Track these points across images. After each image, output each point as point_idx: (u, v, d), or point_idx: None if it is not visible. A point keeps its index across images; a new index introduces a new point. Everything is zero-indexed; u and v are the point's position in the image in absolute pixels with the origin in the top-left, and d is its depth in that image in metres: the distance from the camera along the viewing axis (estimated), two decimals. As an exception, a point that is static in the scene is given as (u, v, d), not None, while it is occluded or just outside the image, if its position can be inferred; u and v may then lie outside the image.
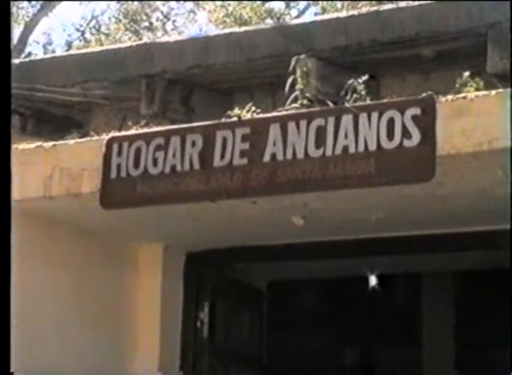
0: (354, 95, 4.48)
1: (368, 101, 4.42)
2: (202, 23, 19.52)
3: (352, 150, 4.27)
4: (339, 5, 16.85)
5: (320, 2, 18.19)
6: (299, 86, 4.74)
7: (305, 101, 4.64)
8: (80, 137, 5.04)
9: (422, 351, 10.53)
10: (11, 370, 4.15)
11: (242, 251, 5.74)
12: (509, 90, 4.08)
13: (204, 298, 5.97)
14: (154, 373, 5.68)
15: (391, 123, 4.19)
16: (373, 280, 10.14)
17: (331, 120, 4.33)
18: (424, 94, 4.25)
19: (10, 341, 3.58)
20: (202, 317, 5.93)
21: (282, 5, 18.79)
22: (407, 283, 9.93)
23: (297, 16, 17.83)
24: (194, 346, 5.88)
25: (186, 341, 5.86)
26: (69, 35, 20.09)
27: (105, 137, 4.83)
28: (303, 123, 4.39)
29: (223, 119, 4.64)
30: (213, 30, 15.32)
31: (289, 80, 4.78)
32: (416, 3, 5.44)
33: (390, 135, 4.19)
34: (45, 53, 18.01)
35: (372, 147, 4.22)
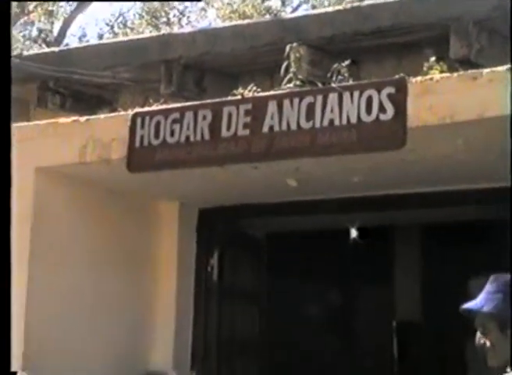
0: (339, 77, 4.51)
1: (351, 82, 4.43)
2: (211, 19, 19.89)
3: (337, 122, 4.30)
4: (326, 2, 17.24)
5: (310, 0, 18.69)
6: (292, 69, 4.75)
7: (298, 83, 4.66)
8: (109, 113, 5.03)
9: (394, 294, 10.56)
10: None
11: (245, 207, 5.75)
12: (468, 72, 4.11)
13: (213, 247, 5.98)
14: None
15: (369, 100, 4.21)
16: (353, 233, 10.16)
17: (319, 98, 4.35)
18: (397, 76, 4.27)
19: (10, 341, 3.45)
20: (212, 263, 5.94)
21: (279, 3, 19.23)
22: (383, 236, 9.93)
23: (292, 12, 18.05)
24: (205, 287, 5.91)
25: (199, 282, 5.90)
26: (101, 29, 20.37)
27: (131, 112, 4.83)
28: (296, 101, 4.41)
29: (229, 97, 4.67)
30: (220, 24, 15.52)
31: (284, 65, 4.79)
32: (391, 0, 5.45)
33: (369, 110, 4.21)
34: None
35: (354, 120, 4.25)
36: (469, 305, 3.47)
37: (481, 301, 3.45)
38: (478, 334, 3.43)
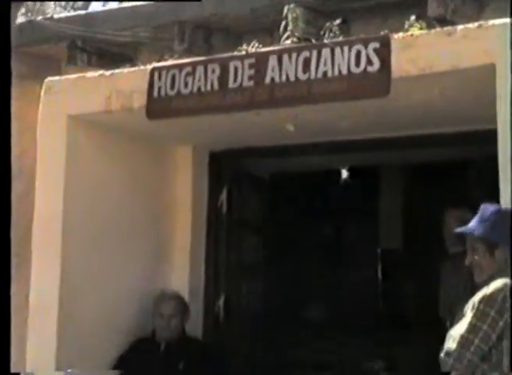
0: (331, 34, 4.50)
1: (341, 39, 4.42)
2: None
3: (329, 74, 4.30)
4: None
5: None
6: (290, 28, 4.74)
7: (295, 40, 4.65)
8: (130, 68, 5.03)
9: (379, 226, 10.61)
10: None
11: (250, 150, 5.77)
12: (444, 29, 4.11)
13: (222, 185, 6.01)
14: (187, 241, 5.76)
15: (358, 54, 4.22)
16: (344, 173, 10.20)
17: (314, 53, 4.35)
18: (382, 33, 4.27)
19: (10, 341, 3.40)
20: (222, 199, 5.97)
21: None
22: (370, 175, 9.96)
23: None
24: (216, 219, 5.95)
25: (210, 215, 5.94)
26: (121, -5, 20.12)
27: (149, 67, 4.83)
28: (293, 55, 4.41)
29: (235, 53, 4.66)
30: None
31: (283, 24, 4.78)
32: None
33: (357, 63, 4.21)
34: (103, 8, 17.96)
35: (344, 71, 4.25)
36: (462, 229, 3.55)
37: (472, 226, 3.53)
38: (469, 253, 3.53)
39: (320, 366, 8.06)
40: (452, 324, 4.19)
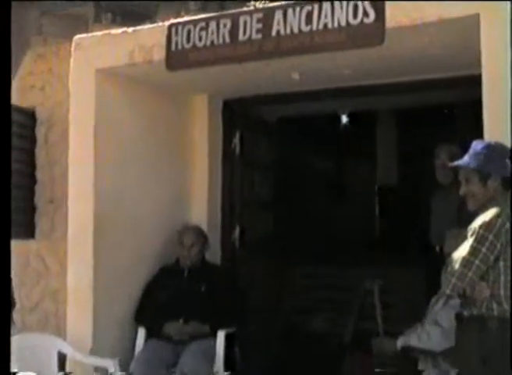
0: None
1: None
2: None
3: (330, 26, 4.25)
4: None
5: None
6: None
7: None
8: (150, 25, 4.98)
9: (376, 165, 10.61)
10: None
11: (259, 97, 5.72)
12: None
13: (235, 129, 6.00)
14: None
15: (355, 7, 4.17)
16: (344, 119, 10.18)
17: (316, 7, 4.30)
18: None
19: (10, 341, 3.31)
20: (235, 142, 5.97)
21: None
22: (367, 119, 9.93)
23: None
24: (230, 160, 5.94)
25: (225, 156, 5.93)
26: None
27: (167, 23, 4.77)
28: (297, 9, 4.35)
29: (244, 9, 4.60)
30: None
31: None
32: None
33: (355, 15, 4.17)
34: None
35: (343, 23, 4.21)
36: (458, 162, 3.56)
37: (467, 160, 3.53)
38: (463, 184, 3.53)
39: (323, 286, 8.15)
40: (442, 248, 4.22)
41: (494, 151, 3.46)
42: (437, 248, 4.69)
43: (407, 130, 9.84)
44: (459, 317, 3.50)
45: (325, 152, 10.38)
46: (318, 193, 10.20)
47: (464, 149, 3.63)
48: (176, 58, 4.69)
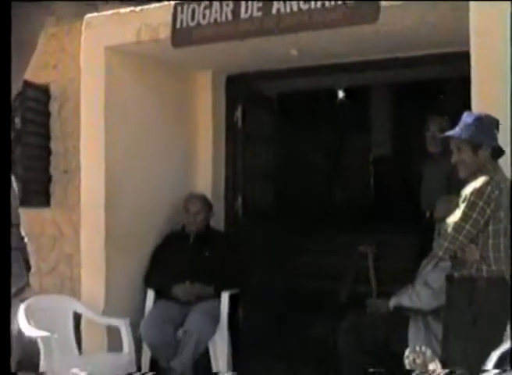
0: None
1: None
2: None
3: (327, 4, 4.21)
4: None
5: None
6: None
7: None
8: (157, 4, 4.93)
9: (371, 137, 10.58)
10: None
11: (260, 73, 5.68)
12: None
13: (237, 104, 5.97)
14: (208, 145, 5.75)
15: (352, -14, 4.13)
16: (341, 94, 10.12)
17: (314, -13, 4.26)
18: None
19: (10, 341, 3.24)
20: (237, 115, 5.95)
21: None
22: (363, 94, 9.88)
23: None
24: (233, 133, 5.93)
25: (228, 129, 5.91)
26: None
27: (172, 2, 4.72)
28: (296, -11, 4.31)
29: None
30: None
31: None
32: None
33: (351, -6, 4.13)
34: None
35: (340, 1, 4.17)
36: (450, 132, 3.56)
37: (458, 131, 3.52)
38: (455, 154, 3.53)
39: (321, 251, 8.17)
40: (432, 214, 4.23)
41: (484, 122, 3.46)
42: (428, 214, 4.69)
43: (400, 104, 9.81)
44: (449, 278, 3.51)
45: (322, 126, 10.34)
46: (316, 164, 10.20)
47: (453, 121, 3.62)
48: (180, 36, 4.64)
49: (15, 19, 1.86)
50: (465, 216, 3.33)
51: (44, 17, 2.01)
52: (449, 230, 3.35)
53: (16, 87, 2.02)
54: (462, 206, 3.35)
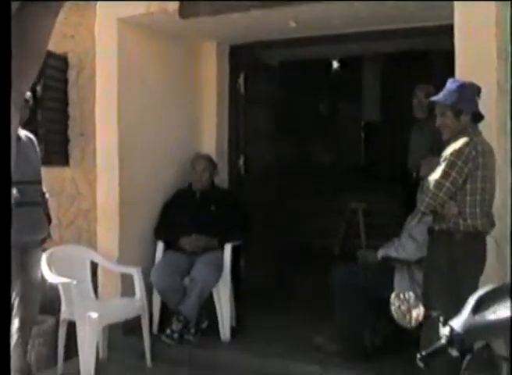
0: None
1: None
2: None
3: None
4: None
5: None
6: None
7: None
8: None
9: (362, 104, 10.53)
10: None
11: (262, 43, 5.63)
12: None
13: (240, 71, 5.91)
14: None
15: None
16: (335, 64, 10.06)
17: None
18: None
19: (10, 341, 3.07)
20: (240, 82, 5.90)
21: None
22: (355, 65, 9.81)
23: None
24: (236, 97, 5.89)
25: (231, 94, 5.88)
26: None
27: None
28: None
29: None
30: None
31: None
32: None
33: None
34: None
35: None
36: (434, 98, 3.54)
37: (443, 96, 3.51)
38: (438, 118, 3.51)
39: (316, 207, 8.21)
40: (418, 174, 4.23)
41: (466, 89, 3.43)
42: (414, 174, 4.70)
43: (390, 73, 9.74)
44: (430, 231, 3.54)
45: (318, 92, 10.31)
46: (312, 127, 10.18)
47: (439, 89, 3.60)
48: (188, 8, 4.59)
49: (23, 24, 1.79)
50: (445, 175, 3.33)
51: (54, 19, 1.93)
52: (431, 187, 3.36)
53: (25, 90, 1.95)
54: (442, 165, 3.35)
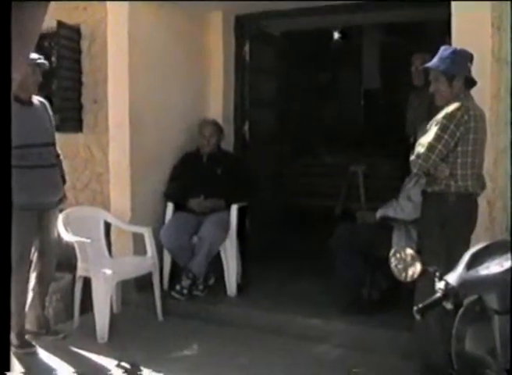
0: None
1: None
2: None
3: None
4: None
5: None
6: None
7: None
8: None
9: (362, 72, 10.44)
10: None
11: (265, 13, 5.57)
12: None
13: (245, 40, 5.87)
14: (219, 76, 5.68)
15: None
16: (336, 35, 9.94)
17: None
18: None
19: (10, 340, 2.97)
20: (245, 51, 5.86)
21: None
22: (356, 34, 9.71)
23: None
24: (241, 66, 5.84)
25: (237, 63, 5.83)
26: None
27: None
28: None
29: None
30: None
31: None
32: None
33: None
34: None
35: None
36: (428, 64, 3.50)
37: (436, 63, 3.47)
38: (432, 83, 3.47)
39: (318, 170, 8.20)
40: (415, 139, 4.21)
41: (459, 55, 3.40)
42: (411, 139, 4.67)
43: (388, 42, 9.64)
44: (424, 193, 3.54)
45: (320, 61, 10.22)
46: (314, 95, 10.11)
47: (434, 57, 3.56)
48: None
49: (16, 11, 1.74)
50: (437, 137, 3.31)
51: (46, 7, 1.89)
52: (423, 149, 3.33)
53: (17, 74, 1.90)
54: (435, 128, 3.33)
